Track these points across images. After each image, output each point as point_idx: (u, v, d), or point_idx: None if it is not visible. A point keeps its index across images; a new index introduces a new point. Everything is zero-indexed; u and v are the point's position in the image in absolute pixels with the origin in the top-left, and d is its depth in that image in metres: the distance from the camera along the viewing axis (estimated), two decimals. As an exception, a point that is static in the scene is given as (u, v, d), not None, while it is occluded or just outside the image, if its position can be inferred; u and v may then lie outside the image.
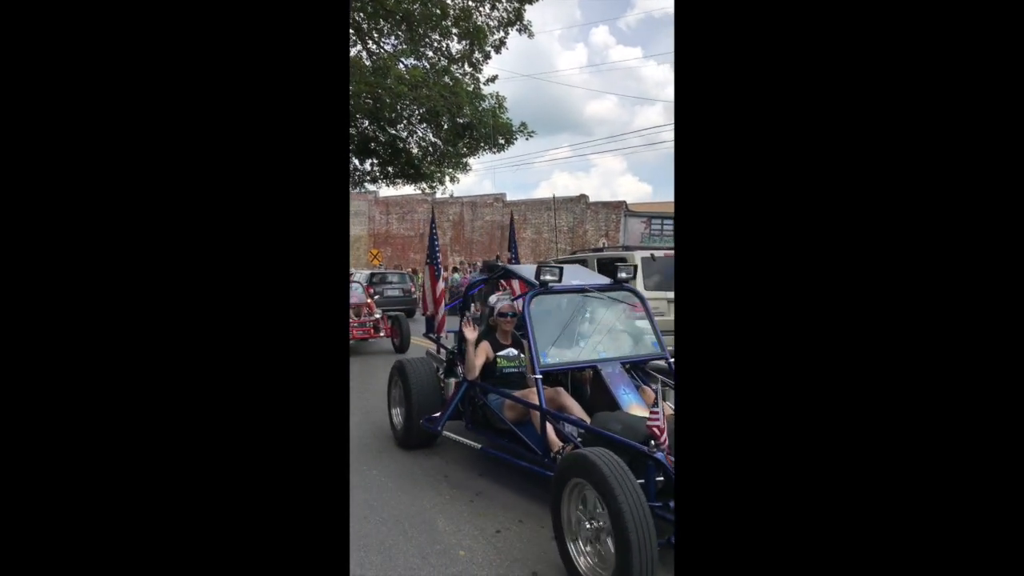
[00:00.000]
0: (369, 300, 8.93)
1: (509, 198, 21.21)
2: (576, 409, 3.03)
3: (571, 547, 2.27)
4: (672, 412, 2.75)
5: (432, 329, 4.92)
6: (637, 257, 6.27)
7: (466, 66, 10.51)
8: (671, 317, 6.21)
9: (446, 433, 3.54)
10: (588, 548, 2.23)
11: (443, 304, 4.91)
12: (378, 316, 8.61)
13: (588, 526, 2.21)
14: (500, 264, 5.36)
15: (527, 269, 3.61)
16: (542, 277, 3.17)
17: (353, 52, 9.71)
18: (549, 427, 2.87)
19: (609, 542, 2.06)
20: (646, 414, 2.59)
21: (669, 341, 6.04)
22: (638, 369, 3.41)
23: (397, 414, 4.13)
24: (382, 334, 8.50)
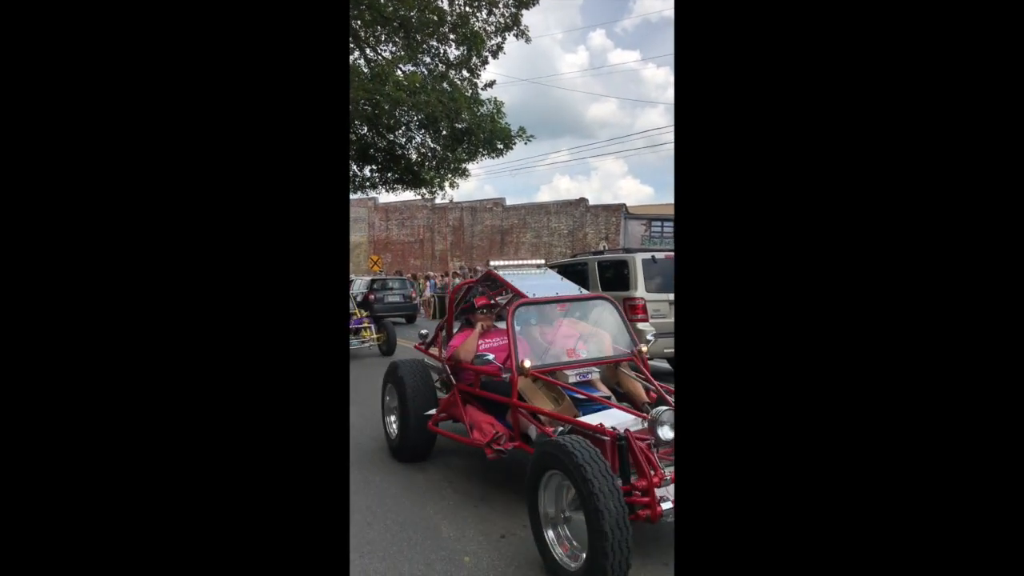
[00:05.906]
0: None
1: (509, 202, 21.24)
2: None
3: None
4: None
5: None
6: (638, 259, 6.26)
7: (464, 72, 10.54)
8: (672, 319, 6.21)
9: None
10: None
11: None
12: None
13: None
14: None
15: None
16: None
17: (351, 59, 9.75)
18: None
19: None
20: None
21: (670, 343, 5.97)
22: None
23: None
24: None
